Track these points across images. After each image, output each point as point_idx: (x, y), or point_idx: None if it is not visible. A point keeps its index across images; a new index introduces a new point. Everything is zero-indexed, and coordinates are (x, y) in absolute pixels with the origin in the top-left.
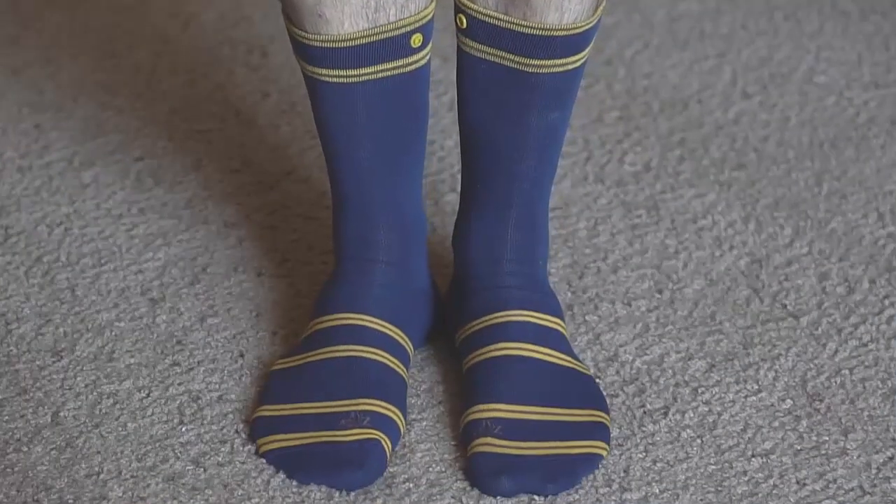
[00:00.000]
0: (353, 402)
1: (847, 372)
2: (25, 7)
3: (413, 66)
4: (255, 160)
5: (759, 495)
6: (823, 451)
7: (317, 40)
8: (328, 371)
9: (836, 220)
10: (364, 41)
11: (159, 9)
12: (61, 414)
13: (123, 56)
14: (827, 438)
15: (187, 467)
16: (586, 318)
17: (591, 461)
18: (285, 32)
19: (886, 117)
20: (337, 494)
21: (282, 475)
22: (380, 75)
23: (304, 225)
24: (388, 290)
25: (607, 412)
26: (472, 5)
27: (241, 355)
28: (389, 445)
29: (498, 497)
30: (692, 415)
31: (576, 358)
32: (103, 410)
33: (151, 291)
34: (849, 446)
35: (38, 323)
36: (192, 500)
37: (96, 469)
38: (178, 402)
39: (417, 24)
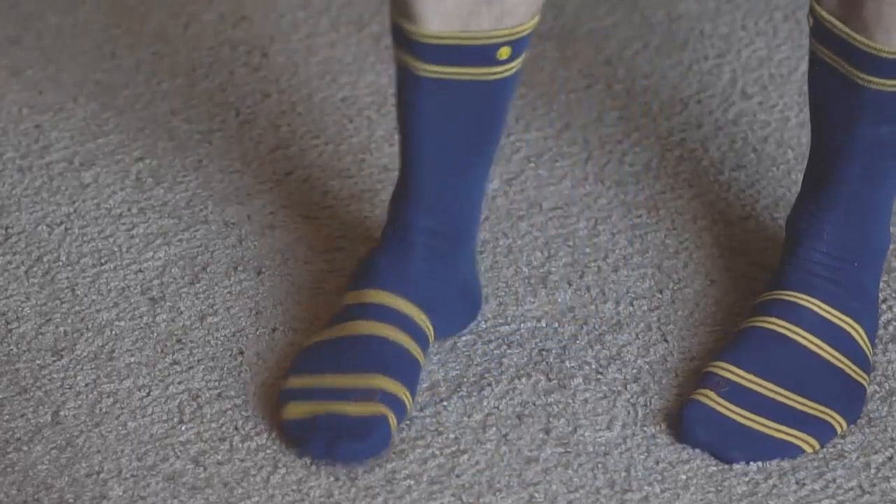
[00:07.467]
0: (367, 376)
1: None
2: (25, 7)
3: (495, 77)
4: (255, 160)
5: (759, 495)
6: (822, 453)
7: (418, 35)
8: (348, 346)
9: None
10: (454, 43)
11: (159, 9)
12: (61, 413)
13: (123, 56)
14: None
15: (187, 466)
16: (588, 318)
17: (790, 450)
18: (285, 33)
19: None
20: (337, 492)
21: (282, 472)
22: (464, 77)
23: (304, 225)
24: (426, 275)
25: (849, 419)
26: (816, 7)
27: (241, 353)
28: (395, 422)
29: (504, 496)
30: None
31: (860, 365)
32: (103, 409)
33: (151, 290)
34: (847, 448)
35: (39, 322)
36: (192, 499)
37: (96, 468)
38: (177, 400)
39: (509, 38)
